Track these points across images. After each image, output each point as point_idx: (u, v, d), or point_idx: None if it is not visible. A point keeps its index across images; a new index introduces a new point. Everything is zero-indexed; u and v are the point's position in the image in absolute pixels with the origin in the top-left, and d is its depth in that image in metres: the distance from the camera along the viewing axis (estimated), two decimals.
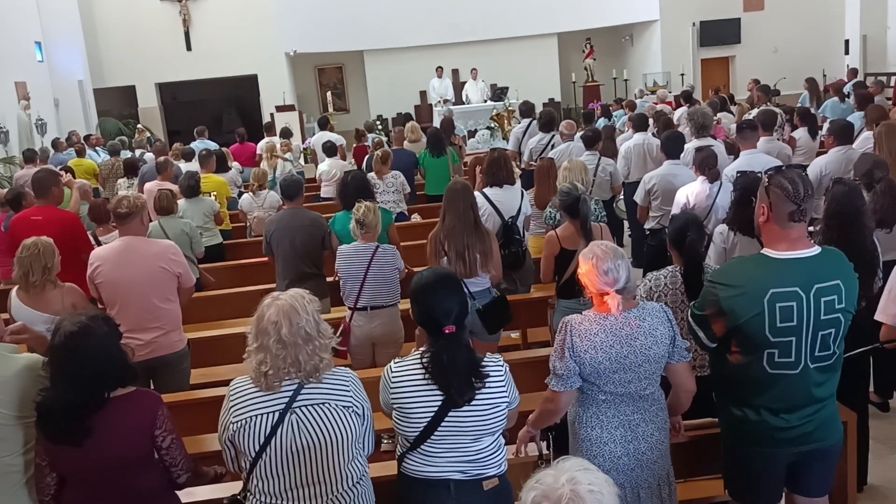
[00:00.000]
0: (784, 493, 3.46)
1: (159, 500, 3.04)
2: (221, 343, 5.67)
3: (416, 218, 9.28)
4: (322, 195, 10.84)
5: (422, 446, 2.88)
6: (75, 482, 2.92)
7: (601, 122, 12.73)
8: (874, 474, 4.61)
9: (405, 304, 5.37)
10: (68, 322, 2.88)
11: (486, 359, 2.93)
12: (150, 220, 5.93)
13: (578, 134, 9.57)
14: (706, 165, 5.94)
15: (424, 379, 2.86)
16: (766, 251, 3.10)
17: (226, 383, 3.05)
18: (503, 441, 3.01)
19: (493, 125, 16.83)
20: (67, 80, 18.64)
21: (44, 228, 5.44)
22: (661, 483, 3.36)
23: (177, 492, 3.18)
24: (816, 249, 3.07)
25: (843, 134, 6.88)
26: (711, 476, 3.76)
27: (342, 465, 2.84)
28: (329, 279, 6.16)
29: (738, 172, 5.22)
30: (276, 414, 2.76)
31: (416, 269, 5.22)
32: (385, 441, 5.13)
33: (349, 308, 5.35)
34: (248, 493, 2.89)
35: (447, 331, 2.86)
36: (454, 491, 2.86)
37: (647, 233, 6.99)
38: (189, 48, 20.63)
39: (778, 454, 3.19)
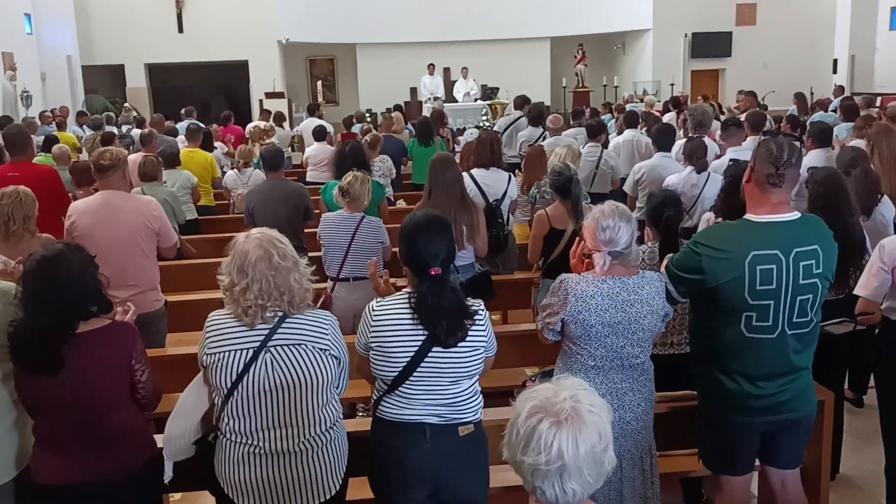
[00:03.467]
0: (757, 467, 3.48)
1: (134, 444, 2.98)
2: (200, 307, 5.57)
3: (401, 203, 9.25)
4: (308, 179, 10.77)
5: (399, 388, 2.85)
6: (47, 415, 2.86)
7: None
8: (847, 465, 4.63)
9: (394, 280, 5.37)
10: (42, 249, 2.82)
11: (469, 301, 2.90)
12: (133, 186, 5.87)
13: (570, 131, 9.60)
14: (695, 155, 5.96)
15: (408, 318, 2.83)
16: (747, 215, 3.13)
17: None
18: (479, 389, 2.98)
19: (486, 116, 16.81)
20: (56, 54, 18.46)
21: (20, 182, 5.34)
22: (644, 454, 3.35)
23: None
24: (796, 214, 3.10)
25: (822, 136, 6.97)
26: (689, 451, 3.75)
27: (316, 408, 2.80)
28: (311, 254, 6.11)
29: (730, 160, 5.23)
30: (251, 351, 2.73)
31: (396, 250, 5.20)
32: (361, 413, 5.08)
33: (331, 279, 5.31)
34: (219, 433, 2.85)
35: (433, 272, 2.83)
36: (430, 434, 2.83)
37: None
38: (181, 30, 20.51)
39: (752, 423, 3.19)
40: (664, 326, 3.36)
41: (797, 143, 3.15)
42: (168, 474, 3.00)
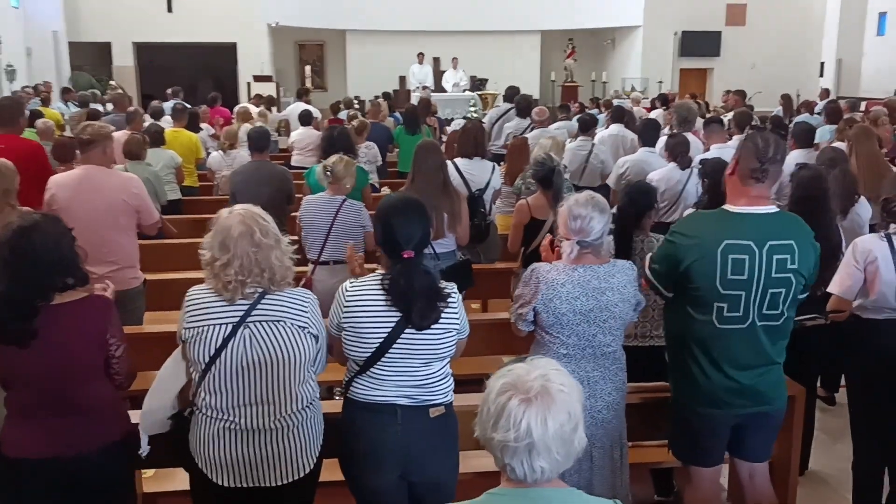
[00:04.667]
0: (727, 460, 3.52)
1: (107, 418, 2.97)
2: (180, 286, 5.54)
3: (385, 190, 9.22)
4: (293, 163, 10.73)
5: (371, 369, 2.86)
6: (19, 387, 2.84)
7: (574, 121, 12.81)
8: (816, 461, 4.70)
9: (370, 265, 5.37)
10: (18, 219, 2.81)
11: (443, 283, 2.92)
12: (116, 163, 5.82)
13: (556, 124, 9.60)
14: (678, 152, 6.00)
15: (381, 300, 2.84)
16: (725, 206, 3.16)
17: None
18: (450, 371, 3.00)
19: (475, 107, 16.81)
20: (42, 29, 18.26)
21: (5, 155, 5.30)
22: (614, 444, 3.39)
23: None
24: (774, 209, 3.13)
25: (804, 137, 7.08)
26: (660, 442, 3.79)
27: (293, 385, 2.81)
28: (293, 237, 6.10)
29: (699, 160, 5.28)
30: (230, 326, 2.73)
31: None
32: (337, 396, 5.08)
33: (311, 262, 5.30)
34: (196, 409, 2.85)
35: (405, 255, 2.83)
36: (400, 416, 2.84)
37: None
38: (170, 9, 20.34)
39: (723, 415, 3.23)
40: (637, 315, 3.39)
41: (783, 140, 3.18)
42: (144, 448, 2.99)
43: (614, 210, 5.39)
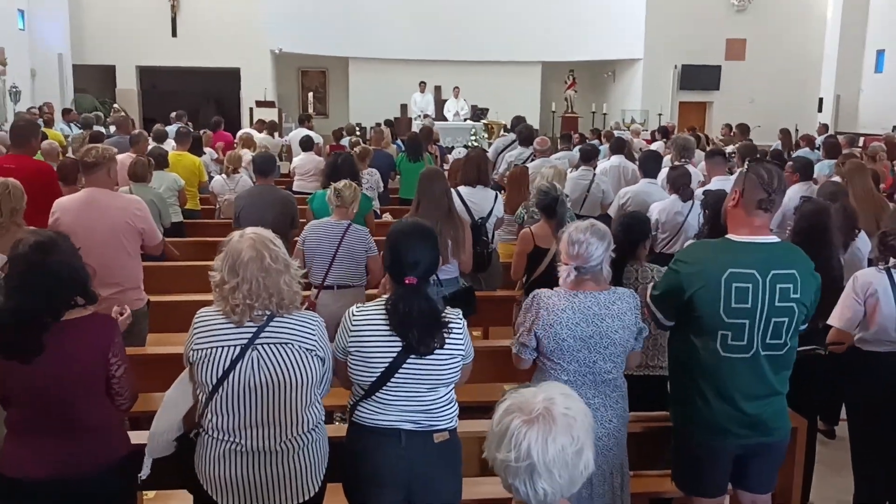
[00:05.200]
0: (730, 491, 3.51)
1: (107, 438, 2.97)
2: (182, 308, 5.58)
3: (387, 217, 9.29)
4: (295, 189, 10.79)
5: (376, 394, 2.87)
6: (21, 404, 2.85)
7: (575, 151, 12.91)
8: (816, 492, 4.69)
9: (372, 291, 5.41)
10: (32, 235, 2.84)
11: (446, 311, 2.94)
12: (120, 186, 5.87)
13: (557, 154, 9.66)
14: (680, 183, 6.05)
15: (385, 325, 2.86)
16: (728, 236, 3.19)
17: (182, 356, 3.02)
18: (455, 396, 3.01)
19: (475, 136, 16.94)
20: (47, 51, 18.40)
21: (15, 175, 5.33)
22: (615, 471, 3.39)
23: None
24: (776, 239, 3.17)
25: (805, 170, 7.13)
26: (662, 471, 3.79)
27: (299, 408, 2.82)
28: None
29: (703, 191, 5.33)
30: (238, 348, 2.75)
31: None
32: (338, 421, 5.08)
33: (315, 286, 5.32)
34: (202, 430, 2.86)
35: (407, 281, 2.86)
36: (405, 440, 2.85)
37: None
38: (174, 34, 20.52)
39: (725, 444, 3.23)
40: (641, 344, 3.41)
41: (781, 170, 3.23)
42: (146, 471, 2.99)
43: None
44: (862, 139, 17.96)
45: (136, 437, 3.25)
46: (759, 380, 3.17)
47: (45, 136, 10.12)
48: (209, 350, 2.76)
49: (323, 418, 3.00)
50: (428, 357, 2.84)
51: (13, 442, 2.87)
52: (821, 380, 4.32)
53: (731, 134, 13.10)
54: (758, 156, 9.30)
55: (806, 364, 3.91)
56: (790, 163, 7.76)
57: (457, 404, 3.01)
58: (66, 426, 2.85)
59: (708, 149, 9.04)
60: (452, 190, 6.12)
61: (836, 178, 7.77)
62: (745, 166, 3.23)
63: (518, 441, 1.72)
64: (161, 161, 8.20)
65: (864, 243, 5.13)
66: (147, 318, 5.16)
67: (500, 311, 6.03)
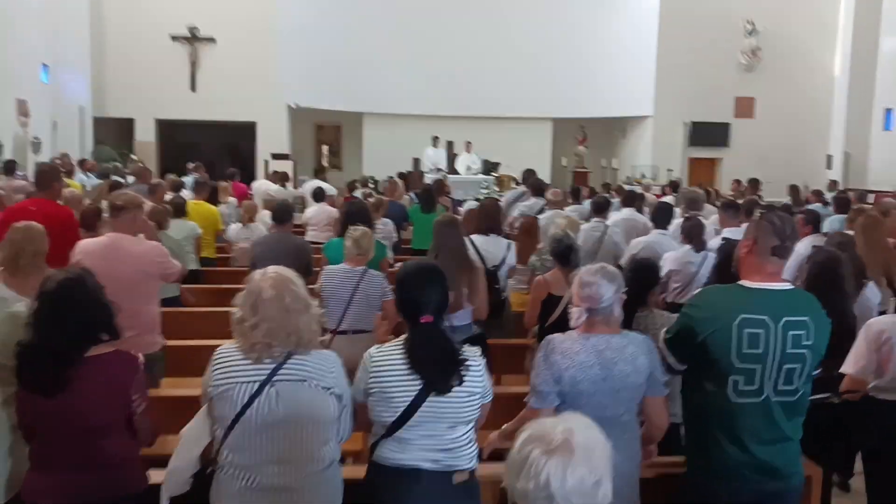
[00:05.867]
0: None
1: (127, 473, 3.01)
2: (198, 353, 5.62)
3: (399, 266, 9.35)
4: (308, 239, 10.90)
5: (397, 433, 2.89)
6: (43, 436, 2.90)
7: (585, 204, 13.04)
8: None
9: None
10: (60, 272, 2.91)
11: (463, 349, 2.98)
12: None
13: (569, 209, 9.76)
14: (694, 234, 6.11)
15: (404, 364, 2.90)
16: (741, 282, 3.22)
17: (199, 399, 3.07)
18: (475, 437, 3.03)
19: (486, 190, 17.14)
20: (69, 104, 18.80)
21: (36, 218, 5.44)
22: None
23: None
24: (789, 285, 3.20)
25: (817, 223, 7.18)
26: None
27: (316, 445, 2.85)
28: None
29: (722, 239, 5.37)
30: (256, 384, 2.79)
31: None
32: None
33: (330, 331, 5.37)
34: (218, 467, 2.88)
35: (423, 320, 2.91)
36: (425, 480, 2.87)
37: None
38: (193, 89, 20.96)
39: (740, 490, 3.21)
40: (659, 390, 3.41)
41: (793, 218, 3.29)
42: None
43: None
44: (872, 196, 18.06)
45: (154, 475, 3.29)
46: (770, 425, 3.18)
47: (65, 185, 10.34)
48: (228, 386, 2.80)
49: (339, 457, 3.03)
50: (448, 395, 2.87)
51: (36, 472, 2.92)
52: (834, 429, 4.31)
53: (742, 189, 13.20)
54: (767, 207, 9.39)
55: (819, 413, 3.92)
56: (801, 215, 7.84)
57: (476, 445, 3.02)
58: (86, 460, 2.89)
59: (721, 202, 9.11)
60: (465, 238, 6.21)
61: (849, 232, 7.85)
62: (759, 214, 3.29)
63: (537, 471, 1.74)
64: (180, 209, 8.34)
65: (872, 293, 5.16)
66: (162, 362, 5.20)
67: (512, 359, 6.05)
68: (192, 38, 20.88)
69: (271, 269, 2.93)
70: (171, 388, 5.41)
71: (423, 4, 22.47)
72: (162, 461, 3.62)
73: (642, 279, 4.27)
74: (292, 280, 2.88)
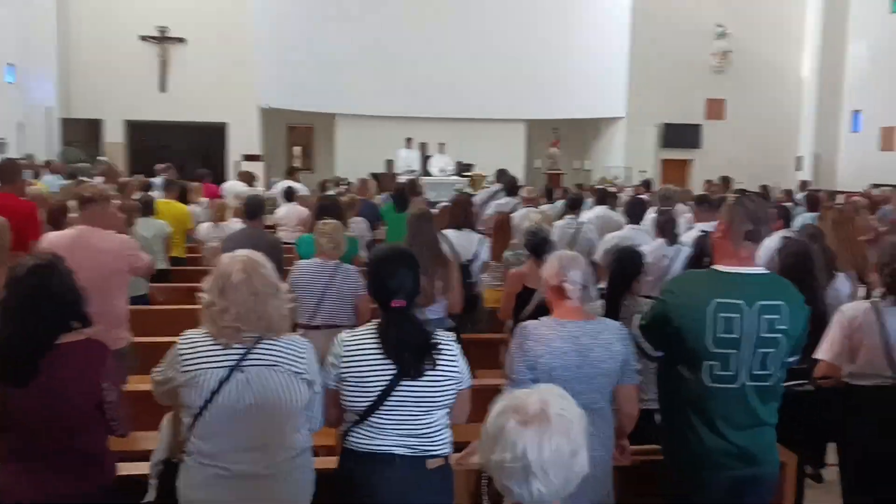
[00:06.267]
0: None
1: (98, 463, 2.93)
2: (166, 350, 5.52)
3: None
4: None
5: (371, 418, 2.84)
6: (13, 429, 2.80)
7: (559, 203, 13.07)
8: None
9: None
10: (31, 258, 2.83)
11: (437, 333, 2.93)
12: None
13: (544, 207, 9.76)
14: (666, 228, 6.12)
15: (377, 349, 2.85)
16: (715, 266, 3.21)
17: None
18: (449, 423, 2.98)
19: (463, 189, 17.12)
20: (36, 105, 18.52)
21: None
22: (602, 501, 3.35)
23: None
24: (764, 270, 3.20)
25: (788, 218, 7.25)
26: None
27: (286, 433, 2.79)
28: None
29: (701, 231, 5.39)
30: (225, 370, 2.72)
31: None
32: None
33: (301, 326, 5.29)
34: (186, 455, 2.81)
35: (394, 304, 2.86)
36: (398, 466, 2.82)
37: (602, 293, 7.09)
38: (163, 89, 20.71)
39: (716, 476, 3.20)
40: (631, 377, 3.40)
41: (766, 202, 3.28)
42: (150, 495, 2.95)
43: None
44: (841, 196, 18.30)
45: (125, 468, 3.20)
46: (746, 411, 3.17)
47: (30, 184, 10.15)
48: (196, 372, 2.73)
49: (310, 445, 2.96)
50: (422, 379, 2.83)
51: (5, 467, 2.82)
52: (806, 419, 4.31)
53: (712, 189, 13.30)
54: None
55: (791, 402, 3.92)
56: (773, 209, 7.90)
57: (450, 431, 2.98)
58: (57, 450, 2.81)
59: (694, 197, 9.18)
60: (438, 233, 6.17)
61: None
62: (732, 199, 3.27)
63: (513, 442, 1.71)
64: (148, 207, 8.21)
65: (843, 285, 5.21)
66: (129, 358, 5.09)
67: (486, 353, 6.00)
68: (162, 38, 20.62)
69: (240, 252, 2.87)
70: (138, 383, 5.29)
71: (397, 6, 22.44)
72: (130, 457, 3.55)
73: (628, 267, 4.27)
74: (262, 264, 2.82)
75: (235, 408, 2.72)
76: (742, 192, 3.30)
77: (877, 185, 15.97)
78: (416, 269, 3.01)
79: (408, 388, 2.83)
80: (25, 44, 17.63)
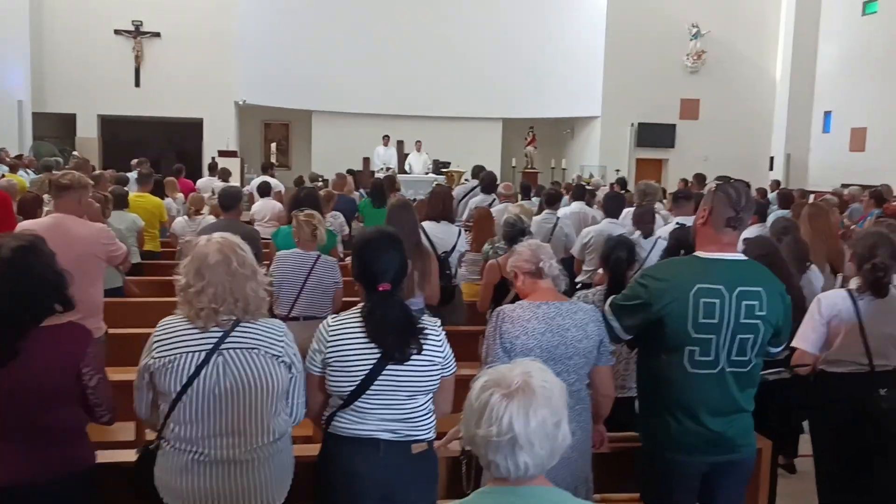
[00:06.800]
0: None
1: (72, 446, 2.88)
2: (140, 341, 5.43)
3: (349, 260, 9.26)
4: None
5: (355, 402, 2.82)
6: None
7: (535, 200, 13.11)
8: None
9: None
10: (11, 238, 2.78)
11: (422, 318, 2.92)
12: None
13: (520, 203, 9.78)
14: (643, 221, 6.16)
15: (362, 333, 2.84)
16: (696, 252, 3.23)
17: None
18: (433, 408, 2.98)
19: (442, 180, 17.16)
20: (7, 98, 18.24)
21: None
22: (580, 485, 3.37)
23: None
24: (744, 256, 3.22)
25: (763, 213, 7.32)
26: (630, 495, 3.77)
27: (265, 416, 2.77)
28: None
29: (676, 223, 5.42)
30: (203, 354, 2.70)
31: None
32: None
33: (280, 317, 5.25)
34: (163, 441, 2.78)
35: (381, 288, 2.84)
36: (383, 450, 2.81)
37: (579, 286, 7.13)
38: (138, 84, 20.51)
39: (693, 462, 3.23)
40: (606, 358, 3.41)
41: (748, 188, 3.30)
42: None
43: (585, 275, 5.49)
44: (812, 196, 18.53)
45: (101, 455, 3.17)
46: (724, 396, 3.19)
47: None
48: (173, 356, 2.70)
49: (289, 430, 2.94)
50: (407, 364, 2.82)
51: None
52: (780, 407, 4.36)
53: (688, 187, 13.44)
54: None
55: (765, 391, 3.96)
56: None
57: (434, 416, 2.97)
58: (30, 433, 2.76)
59: (671, 193, 9.27)
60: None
61: None
62: (714, 185, 3.30)
63: (499, 415, 1.72)
64: (121, 201, 8.11)
65: (816, 276, 5.27)
66: (105, 348, 5.04)
67: (463, 346, 5.96)
68: (137, 32, 20.44)
69: (217, 235, 2.84)
70: (113, 374, 5.24)
71: (375, 4, 22.40)
72: (106, 446, 3.51)
73: (626, 255, 4.27)
74: (239, 245, 2.80)
75: (213, 392, 2.70)
76: (725, 178, 3.31)
77: (846, 185, 16.18)
78: (403, 253, 2.98)
79: (393, 372, 2.82)
80: None
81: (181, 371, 2.69)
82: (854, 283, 3.89)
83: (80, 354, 2.82)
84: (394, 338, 2.79)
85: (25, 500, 2.73)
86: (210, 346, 2.71)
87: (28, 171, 14.52)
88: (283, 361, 2.81)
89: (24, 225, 4.89)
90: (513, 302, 4.95)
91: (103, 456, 3.20)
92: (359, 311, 2.90)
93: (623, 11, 21.66)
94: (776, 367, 3.96)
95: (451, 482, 3.55)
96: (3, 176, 9.90)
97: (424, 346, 2.84)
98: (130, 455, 3.28)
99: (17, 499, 2.72)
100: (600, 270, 4.70)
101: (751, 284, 3.14)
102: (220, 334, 2.73)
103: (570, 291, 8.58)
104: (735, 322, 3.10)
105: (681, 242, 4.93)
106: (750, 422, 3.32)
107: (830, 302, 3.83)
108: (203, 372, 2.69)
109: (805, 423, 5.05)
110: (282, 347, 2.81)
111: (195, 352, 2.71)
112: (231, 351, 2.73)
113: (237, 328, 2.76)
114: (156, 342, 2.76)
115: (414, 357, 2.83)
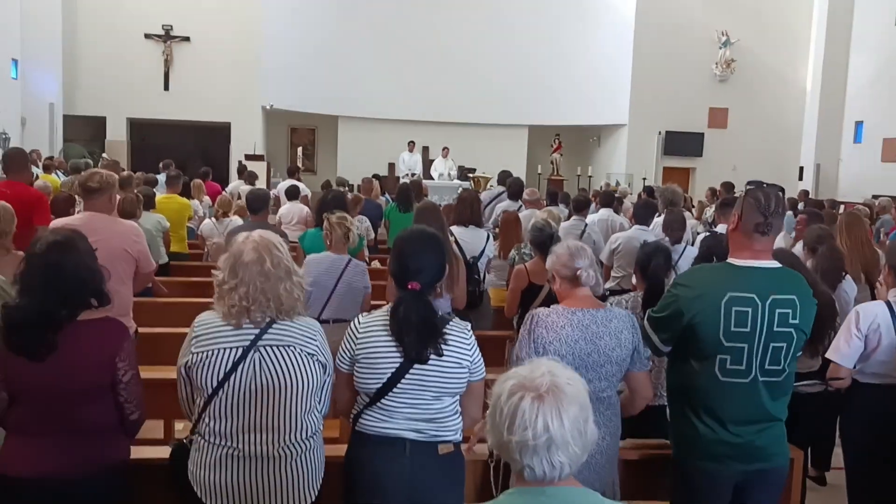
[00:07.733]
0: None
1: (107, 441, 2.90)
2: (170, 340, 5.50)
3: (375, 264, 9.27)
4: None
5: (381, 401, 2.82)
6: (25, 402, 2.79)
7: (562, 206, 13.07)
8: None
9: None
10: (51, 234, 2.82)
11: (451, 321, 2.89)
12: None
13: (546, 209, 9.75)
14: (672, 227, 6.10)
15: (389, 331, 2.83)
16: (729, 259, 3.19)
17: (171, 382, 2.98)
18: (460, 409, 2.95)
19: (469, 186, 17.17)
20: (39, 101, 18.51)
21: (7, 200, 5.30)
22: (607, 490, 3.34)
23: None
24: (777, 264, 3.17)
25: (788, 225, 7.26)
26: (659, 502, 3.72)
27: (299, 413, 2.78)
28: None
29: (707, 232, 5.36)
30: (240, 350, 2.71)
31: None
32: None
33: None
34: (198, 436, 2.79)
35: (410, 286, 2.83)
36: (409, 450, 2.80)
37: (607, 293, 7.08)
38: (167, 88, 20.72)
39: (724, 470, 3.18)
40: (646, 366, 3.38)
41: (781, 194, 3.25)
42: None
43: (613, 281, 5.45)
44: (842, 206, 18.30)
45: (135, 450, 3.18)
46: (757, 405, 3.15)
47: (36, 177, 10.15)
48: (210, 352, 2.72)
49: (321, 428, 2.94)
50: (433, 364, 2.80)
51: (15, 440, 2.82)
52: (812, 419, 4.29)
53: (716, 196, 13.32)
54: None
55: (799, 403, 3.90)
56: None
57: (461, 417, 2.94)
58: (66, 426, 2.80)
59: (719, 200, 9.22)
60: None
61: None
62: (745, 190, 3.25)
63: (532, 419, 1.71)
64: (148, 202, 8.17)
65: (850, 287, 5.17)
66: (135, 346, 5.07)
67: (490, 351, 5.95)
68: (167, 37, 20.66)
69: (255, 232, 2.85)
70: (141, 372, 5.28)
71: (402, 10, 22.47)
72: (135, 443, 3.52)
73: (664, 261, 4.22)
74: (275, 245, 2.80)
75: (249, 388, 2.71)
76: (758, 183, 3.25)
77: (876, 196, 15.97)
78: (442, 255, 2.97)
79: (419, 372, 2.81)
80: (29, 39, 17.63)
81: (218, 367, 2.71)
82: (892, 295, 3.81)
83: (117, 349, 2.85)
84: (414, 337, 2.77)
85: (61, 493, 2.76)
86: (247, 343, 2.73)
87: (59, 172, 14.72)
88: (317, 360, 2.82)
89: (58, 223, 4.94)
90: (543, 305, 4.97)
91: (134, 452, 3.22)
92: (388, 309, 2.89)
93: (651, 19, 21.56)
94: (810, 378, 3.90)
95: (479, 487, 3.52)
96: (38, 177, 9.98)
97: (451, 348, 2.82)
98: (160, 452, 3.31)
99: (52, 492, 2.75)
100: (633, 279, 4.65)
101: (784, 293, 3.09)
102: (256, 332, 2.74)
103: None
104: (768, 330, 3.06)
105: (712, 250, 4.89)
106: (782, 430, 3.27)
107: (869, 314, 3.75)
108: (240, 368, 2.71)
109: (836, 435, 4.97)
110: (316, 346, 2.82)
111: (232, 347, 2.72)
112: (267, 348, 2.75)
113: (273, 326, 2.77)
114: (195, 336, 2.78)
115: (441, 358, 2.80)
